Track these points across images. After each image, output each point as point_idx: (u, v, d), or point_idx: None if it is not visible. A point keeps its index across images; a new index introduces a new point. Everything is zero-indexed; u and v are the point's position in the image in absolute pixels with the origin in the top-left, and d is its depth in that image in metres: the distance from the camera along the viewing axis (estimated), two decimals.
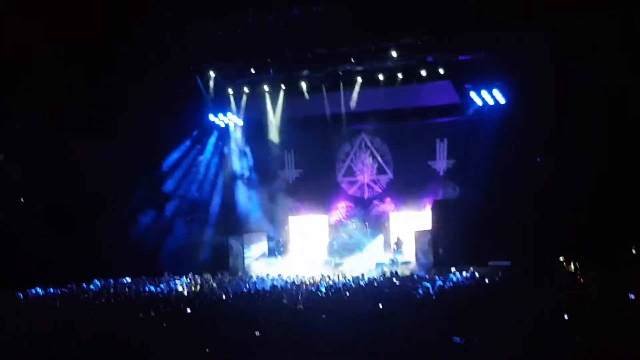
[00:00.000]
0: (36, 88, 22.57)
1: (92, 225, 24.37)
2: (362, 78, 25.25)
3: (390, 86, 25.10)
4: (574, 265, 20.09)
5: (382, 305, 14.55)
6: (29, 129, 23.26)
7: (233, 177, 28.47)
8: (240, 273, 24.42)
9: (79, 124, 23.82)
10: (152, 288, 20.47)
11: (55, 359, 10.85)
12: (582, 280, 17.93)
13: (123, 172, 24.80)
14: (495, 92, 23.60)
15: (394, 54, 23.86)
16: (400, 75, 24.60)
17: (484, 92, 23.77)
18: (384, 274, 21.70)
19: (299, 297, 16.98)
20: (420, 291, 16.86)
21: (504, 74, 23.04)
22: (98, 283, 21.42)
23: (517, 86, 22.84)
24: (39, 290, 20.05)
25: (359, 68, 24.93)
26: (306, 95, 26.27)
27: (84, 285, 21.04)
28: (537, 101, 21.75)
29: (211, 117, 27.48)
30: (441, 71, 24.11)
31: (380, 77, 24.83)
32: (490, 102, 23.92)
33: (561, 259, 20.68)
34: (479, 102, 24.13)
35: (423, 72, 24.28)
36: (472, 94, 24.04)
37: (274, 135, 27.78)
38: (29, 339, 12.60)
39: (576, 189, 20.76)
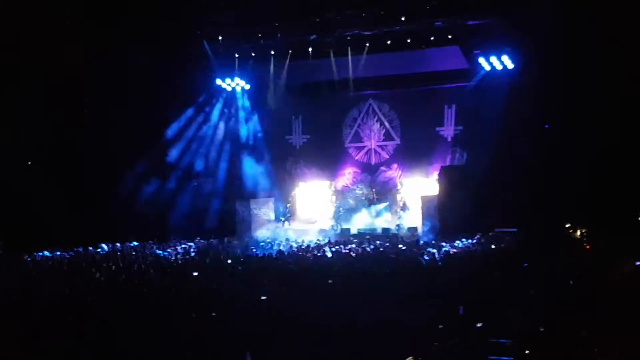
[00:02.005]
0: (43, 50, 22.46)
1: (99, 191, 24.40)
2: (370, 43, 25.02)
3: (399, 51, 24.90)
4: (580, 231, 20.08)
5: (389, 270, 14.63)
6: (39, 92, 23.20)
7: (240, 143, 28.44)
8: (246, 238, 24.50)
9: (84, 91, 23.75)
10: (159, 252, 20.57)
11: (61, 320, 10.92)
12: (587, 247, 17.95)
13: (129, 137, 24.69)
14: (504, 57, 23.45)
15: (402, 18, 23.59)
16: (408, 41, 24.35)
17: (492, 58, 23.63)
18: (390, 240, 21.75)
19: (305, 261, 17.08)
20: (426, 257, 16.91)
21: (512, 39, 22.84)
22: (105, 247, 21.52)
23: (525, 51, 22.64)
24: (46, 253, 20.16)
25: (368, 33, 24.68)
26: (314, 60, 26.04)
27: (91, 249, 21.14)
28: (545, 66, 21.54)
29: (218, 81, 27.36)
30: (449, 36, 23.88)
31: (389, 42, 24.58)
32: (499, 67, 23.79)
33: (567, 225, 20.66)
34: (488, 68, 24.00)
35: (431, 38, 24.05)
36: (481, 60, 23.91)
37: (281, 100, 27.65)
38: (36, 300, 12.71)
39: (584, 156, 20.64)
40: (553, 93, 21.58)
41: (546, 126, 22.54)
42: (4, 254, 20.53)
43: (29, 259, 19.31)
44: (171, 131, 26.92)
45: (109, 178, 24.79)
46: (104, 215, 23.55)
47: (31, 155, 24.63)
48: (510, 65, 23.54)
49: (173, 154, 27.02)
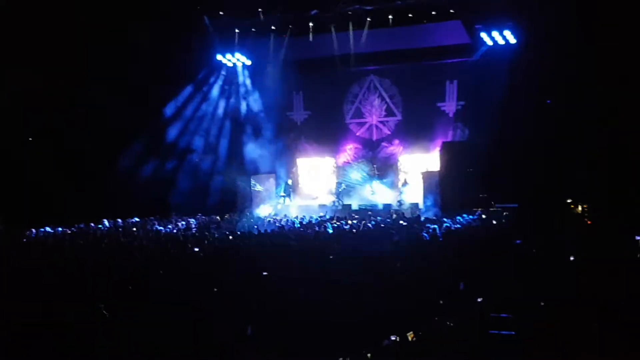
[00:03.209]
0: (43, 27, 22.38)
1: (100, 168, 24.40)
2: (371, 18, 24.83)
3: (400, 26, 24.71)
4: (582, 207, 20.08)
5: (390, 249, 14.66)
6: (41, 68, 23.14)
7: (240, 119, 28.38)
8: (247, 214, 24.54)
9: (85, 68, 23.66)
10: (160, 228, 20.62)
11: (62, 295, 10.96)
12: (589, 222, 17.96)
13: (130, 114, 24.62)
14: (506, 32, 23.29)
15: None
16: (410, 15, 24.15)
17: (494, 33, 23.46)
18: (391, 215, 21.78)
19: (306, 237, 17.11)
20: (427, 233, 16.92)
21: (514, 14, 22.66)
22: (107, 223, 21.57)
23: (528, 26, 22.49)
24: (48, 229, 20.22)
25: (369, 8, 24.49)
26: (314, 36, 25.87)
27: (93, 225, 21.18)
28: (548, 41, 21.39)
29: (219, 57, 27.23)
30: (451, 11, 23.69)
31: (390, 17, 24.39)
32: (501, 42, 23.64)
33: (569, 201, 20.66)
34: (490, 43, 23.84)
35: (433, 12, 23.86)
36: (483, 34, 23.73)
37: (282, 76, 27.50)
38: (37, 275, 12.77)
39: (586, 131, 20.58)
40: (555, 68, 21.45)
41: (548, 101, 22.44)
42: (5, 229, 20.58)
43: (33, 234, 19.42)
44: (171, 107, 26.88)
45: (110, 155, 24.78)
46: (105, 192, 23.56)
47: (32, 131, 24.62)
48: (512, 40, 23.40)
49: (173, 130, 26.98)
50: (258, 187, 26.44)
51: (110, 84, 23.73)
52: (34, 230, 19.96)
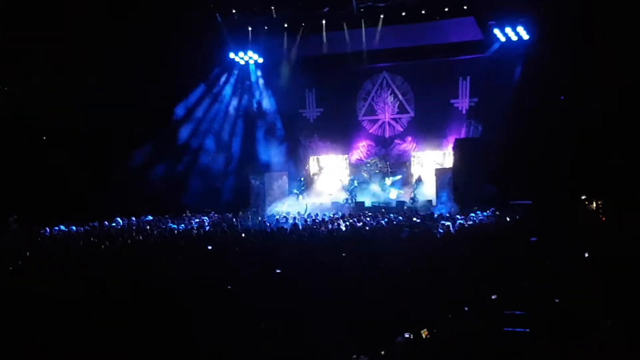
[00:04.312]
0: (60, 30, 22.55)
1: (115, 166, 24.52)
2: (384, 15, 24.79)
3: (413, 23, 24.66)
4: (596, 203, 19.95)
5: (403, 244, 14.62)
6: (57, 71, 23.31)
7: (253, 116, 28.40)
8: (261, 212, 24.55)
9: (100, 66, 23.77)
10: (173, 226, 20.67)
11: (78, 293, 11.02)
12: (603, 218, 17.85)
13: (143, 112, 24.69)
14: (519, 28, 23.19)
15: None
16: (423, 12, 24.10)
17: (507, 29, 23.39)
18: (405, 213, 21.72)
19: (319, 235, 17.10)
20: (441, 230, 16.88)
21: (528, 10, 22.57)
22: (120, 221, 21.64)
23: (541, 22, 22.39)
24: (62, 227, 20.31)
25: (382, 4, 24.46)
26: (327, 33, 25.85)
27: (106, 223, 21.28)
28: (561, 37, 21.28)
29: (231, 55, 27.26)
30: (464, 7, 23.62)
31: (403, 13, 24.34)
32: (514, 38, 23.55)
33: (583, 197, 20.54)
34: (503, 39, 23.76)
35: (446, 8, 23.80)
36: (496, 31, 23.66)
37: (294, 74, 27.50)
38: (53, 273, 12.86)
39: (600, 128, 20.45)
40: (569, 64, 21.33)
41: (561, 97, 22.33)
42: (20, 228, 20.69)
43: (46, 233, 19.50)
44: (185, 106, 26.92)
45: (123, 153, 24.88)
46: (119, 191, 23.65)
47: (47, 130, 24.75)
48: (525, 36, 23.31)
49: (187, 129, 27.02)
50: (271, 185, 26.40)
51: (123, 82, 23.83)
52: (47, 229, 20.05)
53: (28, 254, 15.49)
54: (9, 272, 13.71)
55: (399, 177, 26.39)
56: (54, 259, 14.79)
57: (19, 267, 14.19)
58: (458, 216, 19.75)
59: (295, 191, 27.01)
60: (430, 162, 26.11)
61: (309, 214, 22.17)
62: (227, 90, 28.19)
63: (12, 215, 21.10)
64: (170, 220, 21.85)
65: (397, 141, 27.45)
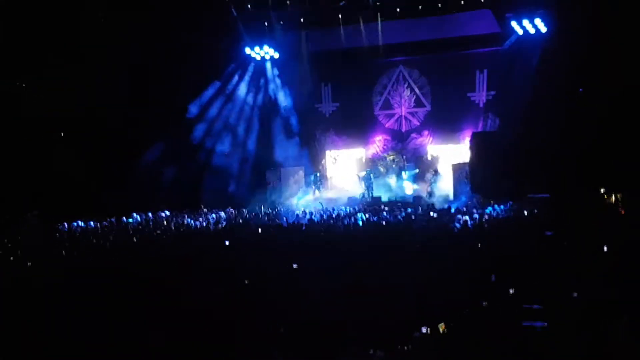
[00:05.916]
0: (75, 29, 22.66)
1: (134, 161, 24.62)
2: (400, 8, 24.66)
3: (429, 16, 24.54)
4: (615, 196, 19.75)
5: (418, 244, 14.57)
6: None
7: (270, 111, 28.40)
8: (277, 207, 24.57)
9: (115, 64, 23.86)
10: (190, 221, 20.74)
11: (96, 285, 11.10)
12: (622, 212, 17.68)
13: (161, 109, 24.76)
14: (537, 20, 23.00)
15: None
16: (439, 5, 23.96)
17: (525, 21, 23.21)
18: (421, 207, 21.65)
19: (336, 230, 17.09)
20: (458, 224, 16.81)
21: (545, 2, 22.38)
22: (137, 217, 21.75)
23: (559, 14, 22.19)
24: (80, 223, 20.46)
25: None
26: (343, 27, 25.77)
27: (124, 219, 21.38)
28: (579, 29, 21.07)
29: (247, 50, 27.25)
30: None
31: (420, 7, 24.21)
32: (532, 31, 23.37)
33: (602, 190, 20.34)
34: (520, 32, 23.58)
35: (462, 1, 23.65)
36: (513, 23, 23.49)
37: (310, 68, 27.46)
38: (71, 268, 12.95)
39: (619, 120, 20.25)
40: (586, 57, 21.13)
41: (580, 90, 22.13)
42: (40, 223, 20.88)
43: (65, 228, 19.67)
44: (201, 102, 26.96)
45: (140, 149, 24.96)
46: (137, 186, 23.73)
47: (66, 129, 24.90)
48: (543, 28, 23.12)
49: (202, 126, 27.06)
50: (287, 180, 26.42)
51: (139, 78, 23.91)
52: (66, 224, 20.21)
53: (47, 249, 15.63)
54: (26, 267, 13.85)
55: (415, 171, 26.31)
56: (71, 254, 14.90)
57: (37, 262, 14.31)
58: (475, 210, 19.64)
59: (311, 186, 27.00)
60: (447, 156, 25.99)
61: (325, 208, 22.14)
62: (243, 85, 28.19)
63: (32, 211, 21.30)
64: (186, 216, 21.93)
65: (413, 135, 27.36)
